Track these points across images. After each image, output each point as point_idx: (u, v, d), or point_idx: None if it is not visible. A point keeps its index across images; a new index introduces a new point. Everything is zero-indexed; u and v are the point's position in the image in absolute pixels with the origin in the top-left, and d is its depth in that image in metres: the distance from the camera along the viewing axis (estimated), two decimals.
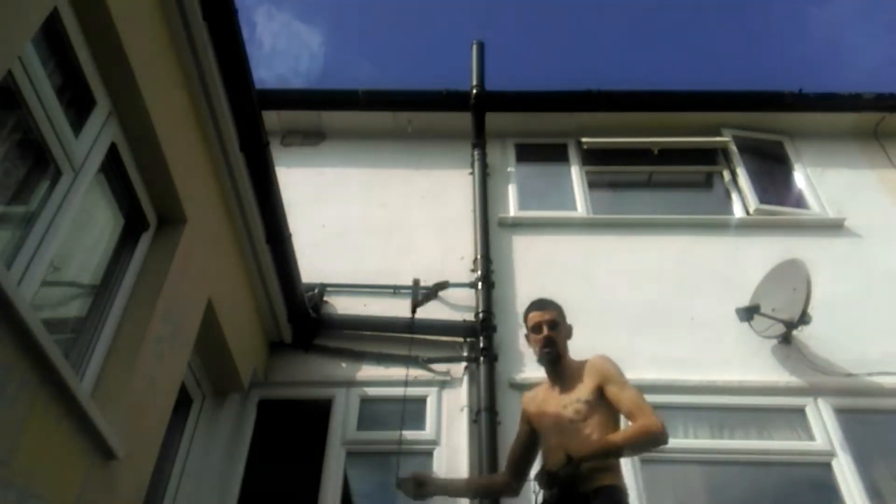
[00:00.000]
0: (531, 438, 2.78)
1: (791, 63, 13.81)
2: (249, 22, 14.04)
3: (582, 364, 2.73)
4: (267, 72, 16.16)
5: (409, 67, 14.96)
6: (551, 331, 2.76)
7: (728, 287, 4.53)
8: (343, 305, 4.58)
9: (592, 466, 2.38)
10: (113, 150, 2.51)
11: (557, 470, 2.36)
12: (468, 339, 4.30)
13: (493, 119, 5.68)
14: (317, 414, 4.03)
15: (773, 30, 13.84)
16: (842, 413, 3.91)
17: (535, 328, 2.80)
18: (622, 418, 2.60)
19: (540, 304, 2.91)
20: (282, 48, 16.37)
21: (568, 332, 2.86)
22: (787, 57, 14.06)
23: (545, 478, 2.39)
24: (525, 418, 2.83)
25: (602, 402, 2.58)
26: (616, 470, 2.51)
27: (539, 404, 2.75)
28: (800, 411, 3.96)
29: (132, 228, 2.74)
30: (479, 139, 5.57)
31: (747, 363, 4.17)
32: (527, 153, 5.79)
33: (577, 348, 4.27)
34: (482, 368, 4.08)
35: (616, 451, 2.47)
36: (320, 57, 16.79)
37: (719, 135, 5.78)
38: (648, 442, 2.47)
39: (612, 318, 4.42)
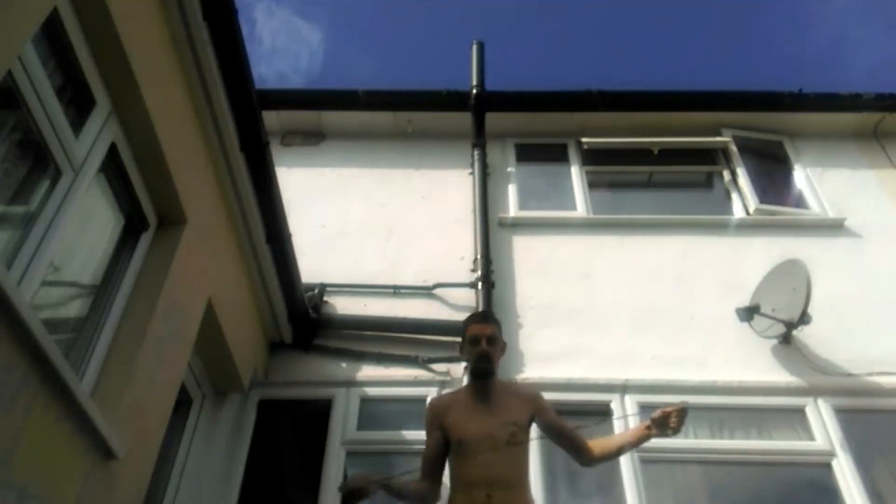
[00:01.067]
0: (444, 445, 2.70)
1: (793, 61, 13.80)
2: (249, 19, 14.03)
3: (511, 387, 2.81)
4: (267, 69, 16.14)
5: (410, 65, 14.96)
6: (489, 345, 2.76)
7: (728, 287, 4.52)
8: (343, 305, 4.58)
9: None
10: (113, 150, 2.51)
11: None
12: None
13: (493, 119, 5.68)
14: (317, 414, 4.03)
15: (775, 27, 13.85)
16: (842, 413, 3.91)
17: (473, 340, 2.79)
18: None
19: (482, 317, 3.00)
20: (282, 45, 16.37)
21: (502, 349, 2.88)
22: (789, 54, 14.07)
23: None
24: (437, 425, 2.73)
25: (527, 433, 2.68)
26: None
27: (458, 416, 2.70)
28: (800, 411, 3.96)
29: (132, 228, 2.74)
30: (479, 139, 5.57)
31: (747, 363, 4.17)
32: (527, 153, 5.79)
33: (579, 348, 4.28)
34: None
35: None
36: (320, 54, 16.78)
37: (719, 135, 5.78)
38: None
39: (612, 318, 4.42)
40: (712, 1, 14.23)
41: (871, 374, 4.07)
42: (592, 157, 5.70)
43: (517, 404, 2.71)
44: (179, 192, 2.78)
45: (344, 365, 4.26)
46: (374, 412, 4.08)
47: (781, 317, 4.13)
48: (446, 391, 4.09)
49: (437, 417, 2.77)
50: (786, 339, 4.22)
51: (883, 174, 5.53)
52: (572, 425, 2.75)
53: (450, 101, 5.77)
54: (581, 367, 4.14)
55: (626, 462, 3.68)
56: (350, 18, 15.42)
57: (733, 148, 5.69)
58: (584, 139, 5.70)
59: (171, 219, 2.86)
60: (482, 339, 2.76)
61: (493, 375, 2.76)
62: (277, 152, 4.50)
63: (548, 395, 3.98)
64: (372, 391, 4.14)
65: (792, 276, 4.16)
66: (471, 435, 2.61)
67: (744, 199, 5.35)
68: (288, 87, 6.36)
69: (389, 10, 14.81)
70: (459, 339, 2.93)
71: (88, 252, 2.53)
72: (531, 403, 2.74)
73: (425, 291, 4.65)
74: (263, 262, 3.72)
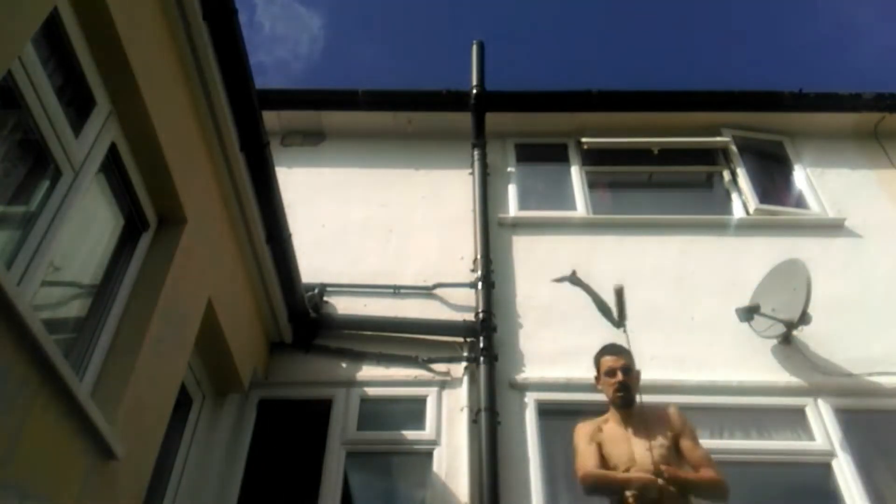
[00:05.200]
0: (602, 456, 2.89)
1: (795, 52, 13.75)
2: (249, 5, 13.86)
3: (654, 410, 2.93)
4: (266, 56, 16.00)
5: (409, 60, 14.92)
6: (626, 376, 2.97)
7: (728, 287, 4.52)
8: (343, 305, 4.58)
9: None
10: (113, 150, 2.51)
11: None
12: (468, 339, 4.30)
13: (493, 119, 5.68)
14: (317, 414, 4.03)
15: (777, 18, 13.82)
16: (842, 413, 3.91)
17: (609, 373, 3.01)
18: None
19: (614, 349, 3.12)
20: (281, 31, 16.28)
21: (637, 377, 3.04)
22: (792, 46, 14.03)
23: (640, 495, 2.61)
24: (593, 440, 2.92)
25: (676, 452, 2.83)
26: None
27: (608, 439, 2.88)
28: (800, 411, 3.96)
29: (132, 228, 2.74)
30: (479, 139, 5.56)
31: (747, 363, 4.17)
32: (527, 153, 5.79)
33: (579, 348, 4.27)
34: (482, 368, 4.08)
35: (693, 486, 2.71)
36: (321, 40, 16.67)
37: (719, 135, 5.78)
38: (717, 493, 2.75)
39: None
40: (712, 0, 14.22)
41: (871, 374, 4.07)
42: (592, 157, 5.69)
43: (663, 427, 2.86)
44: (179, 192, 2.78)
45: (344, 365, 4.26)
46: (374, 412, 4.08)
47: (781, 317, 4.13)
48: (446, 392, 4.10)
49: (589, 434, 2.95)
50: (786, 339, 4.22)
51: (883, 174, 5.53)
52: (702, 459, 2.81)
53: (450, 100, 5.77)
54: (581, 367, 4.11)
55: None
56: (350, 5, 15.39)
57: (733, 148, 5.69)
58: (584, 139, 5.70)
59: (171, 219, 2.86)
60: (618, 370, 2.98)
61: (634, 403, 2.94)
62: (277, 152, 4.50)
63: (548, 395, 4.04)
64: (372, 391, 4.14)
65: (792, 276, 4.15)
66: (616, 457, 2.80)
67: (744, 199, 5.34)
68: (288, 86, 6.34)
69: (390, 5, 14.81)
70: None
71: (88, 252, 2.54)
72: (676, 425, 2.90)
73: (425, 291, 4.65)
74: (263, 262, 3.72)
